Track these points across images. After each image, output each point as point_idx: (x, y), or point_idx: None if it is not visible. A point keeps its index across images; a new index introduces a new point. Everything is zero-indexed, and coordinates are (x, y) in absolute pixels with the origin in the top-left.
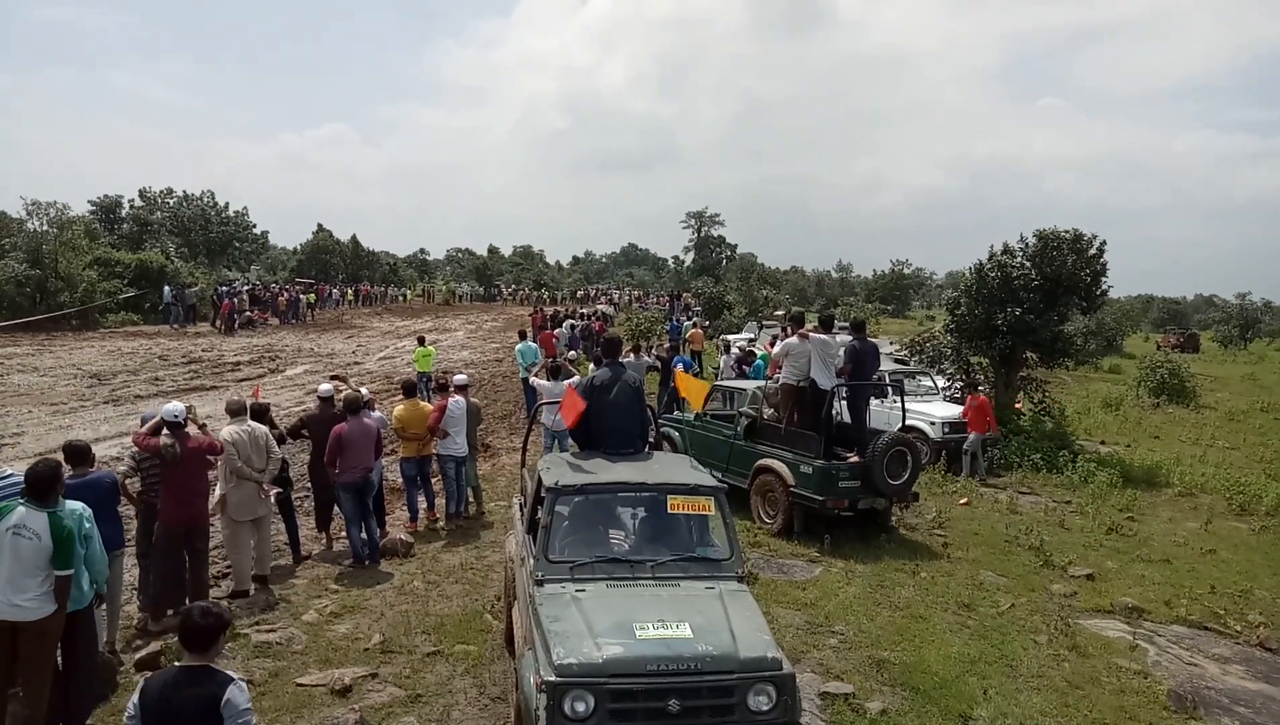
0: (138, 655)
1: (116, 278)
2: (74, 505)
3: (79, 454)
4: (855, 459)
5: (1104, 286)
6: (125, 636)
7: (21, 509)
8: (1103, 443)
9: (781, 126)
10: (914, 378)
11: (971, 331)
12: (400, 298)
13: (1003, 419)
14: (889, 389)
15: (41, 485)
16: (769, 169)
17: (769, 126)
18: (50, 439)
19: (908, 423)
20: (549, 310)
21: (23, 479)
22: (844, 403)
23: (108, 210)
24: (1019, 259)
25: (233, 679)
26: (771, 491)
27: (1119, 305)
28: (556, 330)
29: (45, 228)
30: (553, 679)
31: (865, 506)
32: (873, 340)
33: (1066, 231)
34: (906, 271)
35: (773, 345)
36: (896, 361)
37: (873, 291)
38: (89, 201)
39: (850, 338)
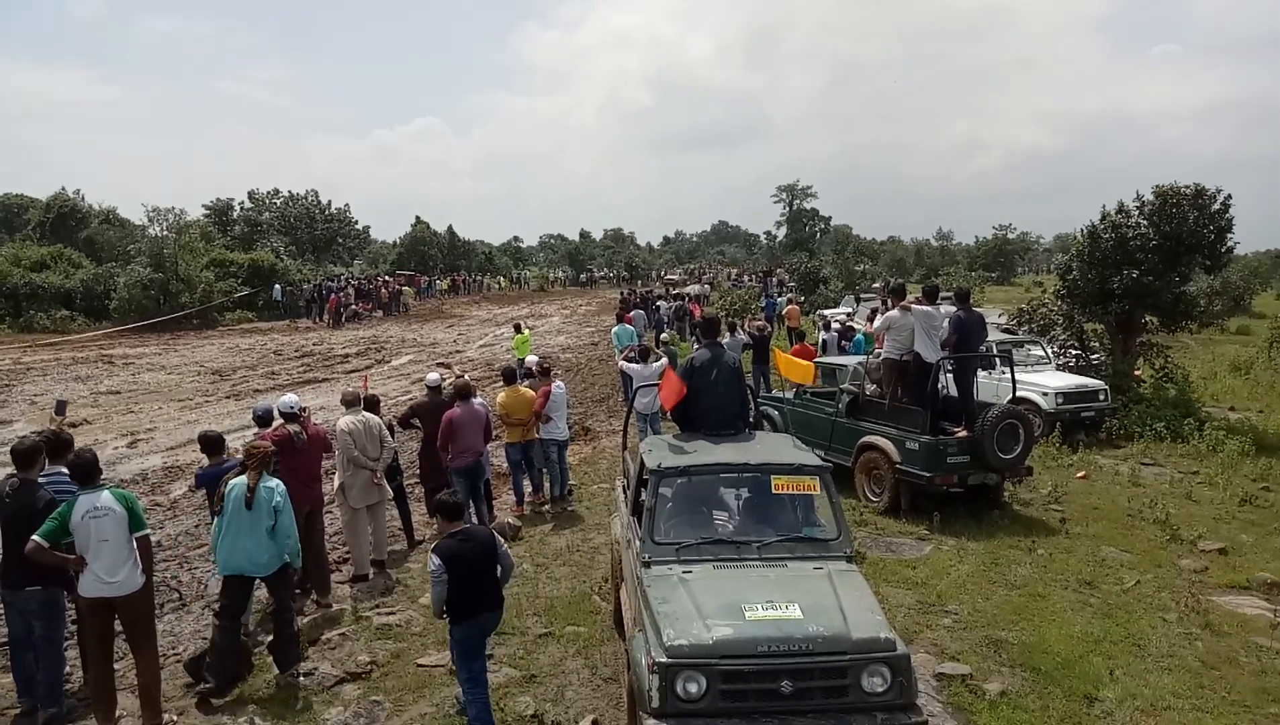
0: (268, 640)
1: (231, 277)
2: (272, 482)
3: (214, 444)
4: (963, 433)
5: (1229, 243)
6: (256, 619)
7: (83, 497)
8: (1232, 408)
9: (871, 92)
10: (1023, 347)
11: (1085, 297)
12: (495, 286)
13: (1122, 387)
14: (997, 360)
15: (89, 469)
16: (859, 136)
17: (859, 93)
18: (179, 433)
19: (1019, 394)
20: (639, 291)
21: (68, 472)
22: (949, 376)
23: (220, 213)
24: (1135, 218)
25: (491, 531)
26: (877, 469)
27: (1246, 262)
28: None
29: (165, 233)
30: (664, 660)
31: (975, 482)
32: (978, 310)
33: (1186, 186)
34: (1011, 236)
35: (871, 320)
36: (1004, 331)
37: (975, 259)
38: (203, 205)
39: (955, 308)
